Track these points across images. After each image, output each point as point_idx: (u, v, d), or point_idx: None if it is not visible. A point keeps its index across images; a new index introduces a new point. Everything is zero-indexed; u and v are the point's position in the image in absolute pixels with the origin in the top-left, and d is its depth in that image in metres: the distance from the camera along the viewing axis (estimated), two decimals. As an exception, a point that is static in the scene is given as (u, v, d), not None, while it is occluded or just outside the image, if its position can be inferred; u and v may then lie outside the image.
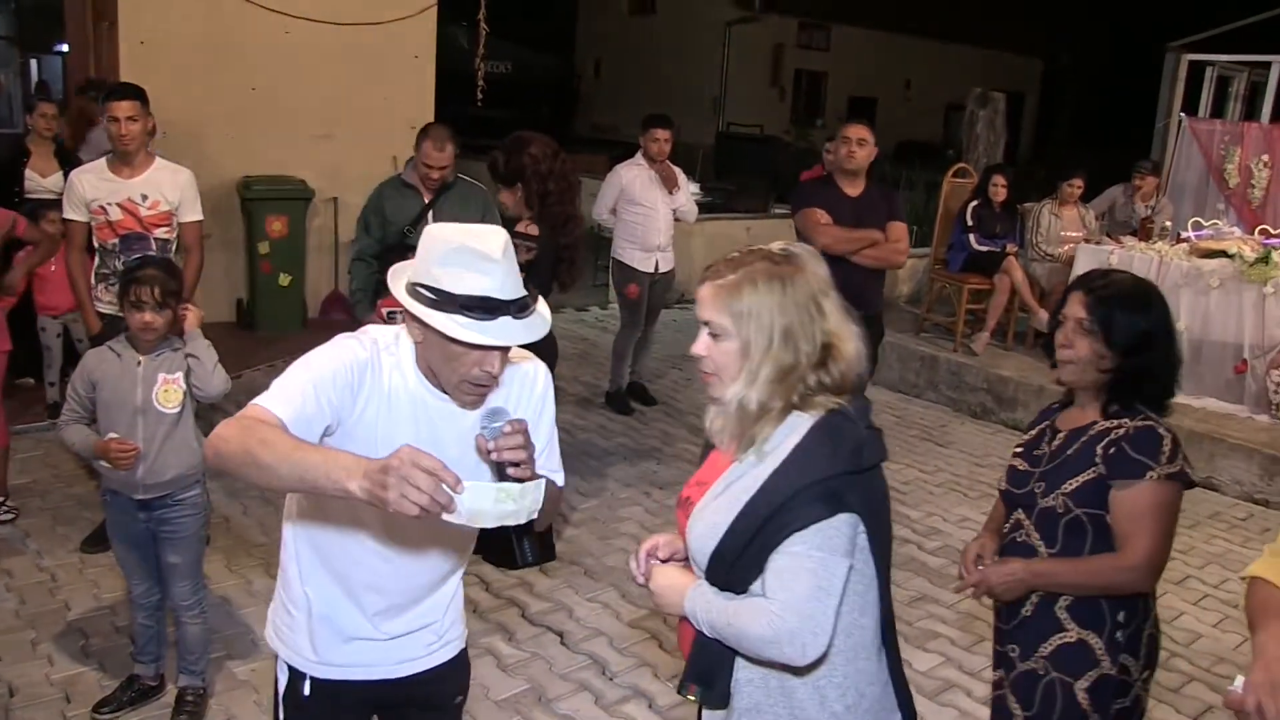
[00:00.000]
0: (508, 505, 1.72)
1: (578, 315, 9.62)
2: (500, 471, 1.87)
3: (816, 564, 1.74)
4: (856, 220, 5.12)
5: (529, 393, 2.16)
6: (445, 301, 1.85)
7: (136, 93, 4.59)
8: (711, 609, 1.82)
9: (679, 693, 1.96)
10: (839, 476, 1.77)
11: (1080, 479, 2.35)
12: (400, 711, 2.35)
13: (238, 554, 4.67)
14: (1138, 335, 2.36)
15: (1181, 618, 4.71)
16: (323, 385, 1.92)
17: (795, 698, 1.86)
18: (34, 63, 18.17)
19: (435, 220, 4.90)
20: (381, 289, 4.85)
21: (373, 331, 2.07)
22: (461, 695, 2.42)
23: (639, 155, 6.96)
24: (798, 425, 1.82)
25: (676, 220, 7.08)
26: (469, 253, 1.86)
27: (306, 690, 2.21)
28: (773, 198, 11.96)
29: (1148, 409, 2.39)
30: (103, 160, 4.69)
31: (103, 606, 4.19)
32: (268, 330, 8.08)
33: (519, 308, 1.90)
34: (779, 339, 1.81)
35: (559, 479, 2.23)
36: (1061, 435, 2.47)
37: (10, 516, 4.87)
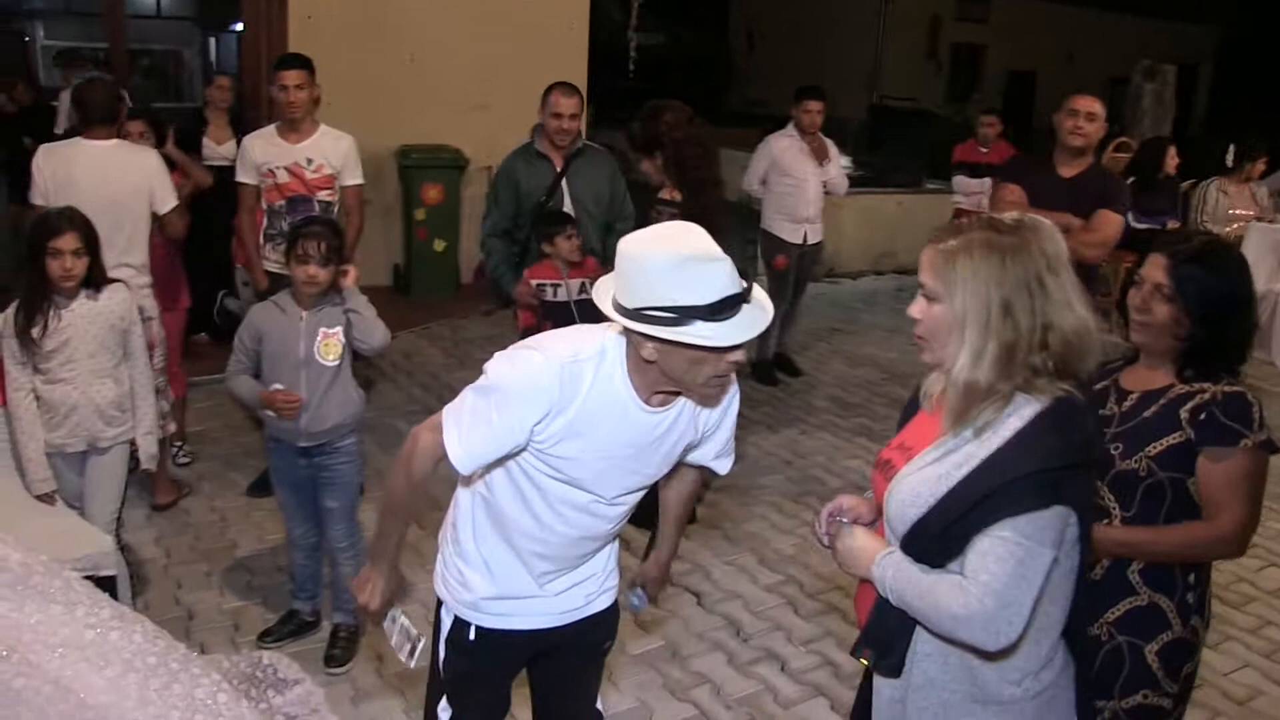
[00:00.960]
0: None
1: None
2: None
3: (1024, 553, 1.71)
4: (1064, 205, 4.51)
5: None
6: (688, 314, 1.82)
7: (304, 62, 4.81)
8: (902, 579, 1.81)
9: (852, 654, 1.96)
10: (1063, 468, 1.73)
11: (1166, 442, 2.27)
12: (553, 655, 2.44)
13: (390, 505, 4.86)
14: (1217, 302, 2.27)
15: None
16: (504, 436, 2.02)
17: (975, 677, 1.84)
18: (212, 40, 19.14)
19: (569, 187, 4.86)
20: (524, 261, 4.89)
21: (575, 341, 2.05)
22: (610, 641, 2.51)
23: (790, 126, 6.92)
24: (1022, 408, 1.77)
25: (826, 193, 7.03)
26: (694, 261, 1.83)
27: (472, 636, 2.32)
28: (926, 172, 11.73)
29: (1227, 375, 2.31)
30: (272, 127, 4.93)
31: (265, 547, 4.45)
32: (422, 294, 8.33)
33: (748, 293, 1.90)
34: (997, 313, 1.75)
35: (727, 464, 2.34)
36: (1134, 396, 2.37)
37: (188, 460, 5.21)
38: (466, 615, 2.31)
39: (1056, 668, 1.88)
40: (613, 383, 2.00)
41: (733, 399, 2.24)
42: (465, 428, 2.02)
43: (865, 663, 1.92)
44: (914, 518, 1.81)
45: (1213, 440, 2.23)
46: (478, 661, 2.36)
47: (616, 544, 2.43)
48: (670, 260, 1.82)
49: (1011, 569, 1.70)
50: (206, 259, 6.24)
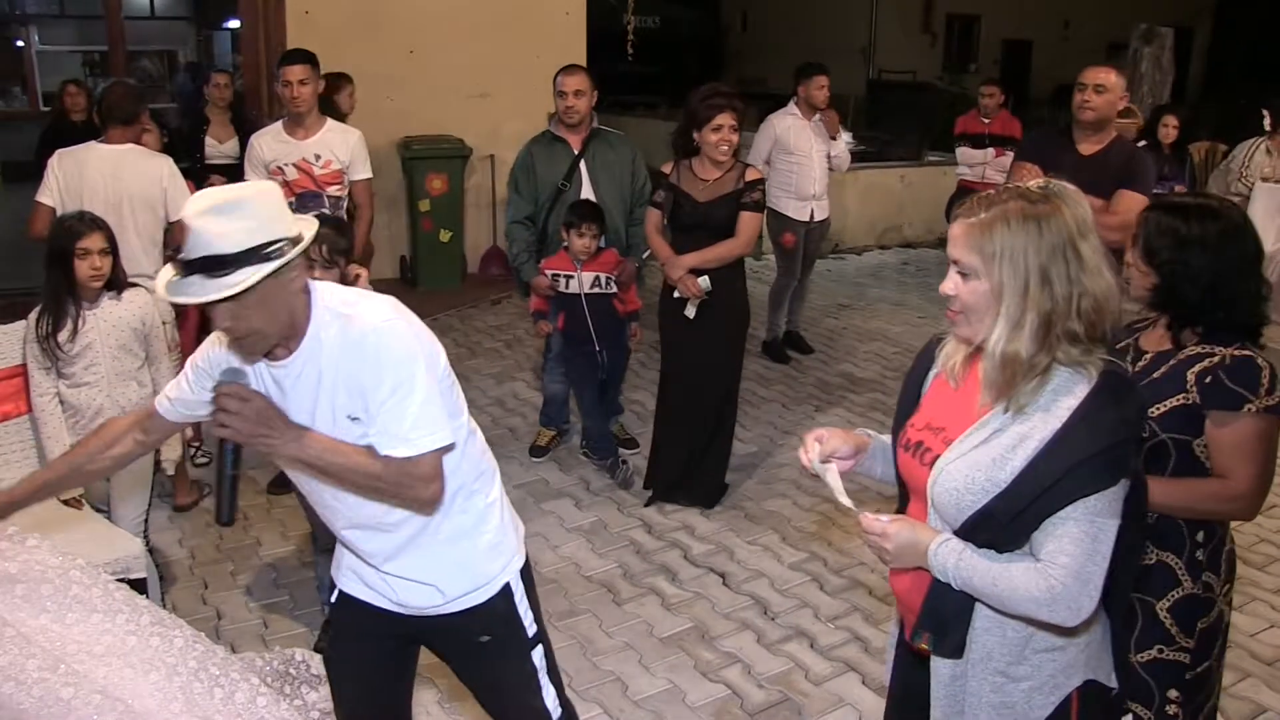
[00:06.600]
0: None
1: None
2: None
3: (1097, 529, 1.72)
4: (1083, 183, 4.36)
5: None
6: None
7: (307, 57, 4.81)
8: (966, 566, 1.79)
9: (910, 641, 1.97)
10: (1126, 442, 1.74)
11: (1169, 404, 2.28)
12: (437, 648, 2.44)
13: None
14: (1173, 249, 2.28)
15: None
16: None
17: (1031, 644, 1.86)
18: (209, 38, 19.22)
19: (588, 170, 4.95)
20: (544, 250, 4.94)
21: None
22: (486, 635, 2.34)
23: (791, 105, 6.90)
24: (1072, 386, 1.76)
25: (830, 170, 7.01)
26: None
27: (334, 597, 2.41)
28: (927, 145, 11.71)
29: (1243, 338, 2.29)
30: (279, 124, 4.93)
31: (289, 545, 4.46)
32: (430, 285, 8.34)
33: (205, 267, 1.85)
34: (1035, 282, 1.74)
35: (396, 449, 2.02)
36: (1148, 356, 2.39)
37: (206, 460, 5.22)
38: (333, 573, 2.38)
39: (1102, 627, 1.93)
40: None
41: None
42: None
43: (925, 647, 1.92)
44: (974, 505, 1.79)
45: (1218, 404, 2.24)
46: (337, 630, 2.40)
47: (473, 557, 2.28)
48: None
49: (1087, 547, 1.72)
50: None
